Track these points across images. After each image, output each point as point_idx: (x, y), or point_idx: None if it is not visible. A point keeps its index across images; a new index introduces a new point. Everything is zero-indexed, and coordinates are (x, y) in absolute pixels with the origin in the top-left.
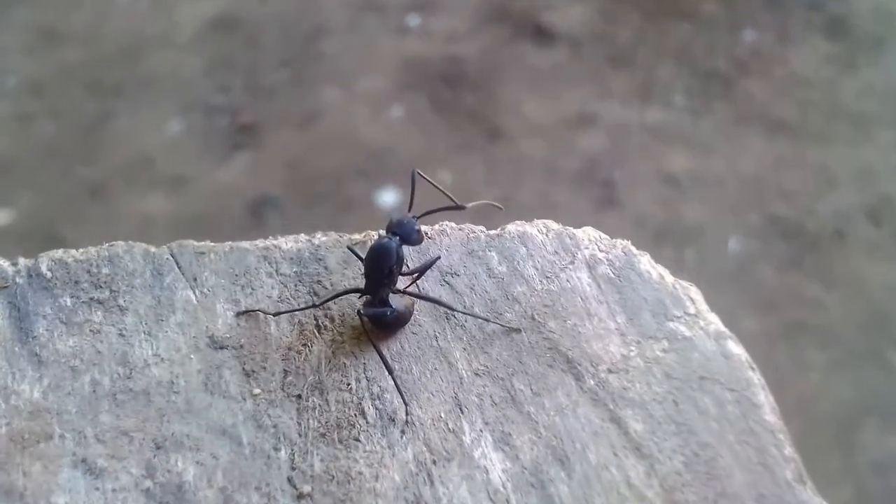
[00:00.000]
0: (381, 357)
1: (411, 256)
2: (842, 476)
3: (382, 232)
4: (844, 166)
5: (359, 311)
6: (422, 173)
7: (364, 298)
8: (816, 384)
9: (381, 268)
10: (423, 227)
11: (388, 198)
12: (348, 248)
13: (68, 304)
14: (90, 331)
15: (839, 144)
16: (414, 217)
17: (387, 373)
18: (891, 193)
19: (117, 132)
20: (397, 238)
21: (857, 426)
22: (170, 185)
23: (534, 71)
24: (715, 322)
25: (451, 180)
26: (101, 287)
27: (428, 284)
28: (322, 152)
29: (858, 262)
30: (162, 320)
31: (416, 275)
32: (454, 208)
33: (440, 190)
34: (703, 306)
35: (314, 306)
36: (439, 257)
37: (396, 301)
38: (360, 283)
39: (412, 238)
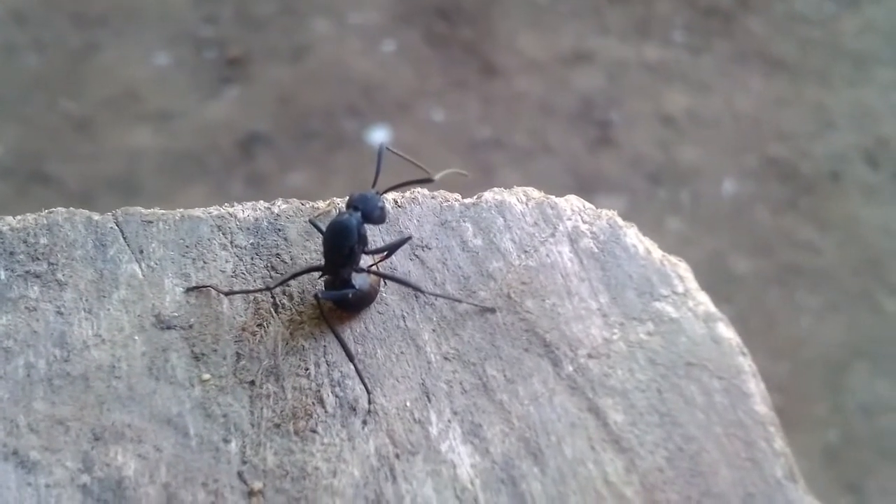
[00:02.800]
0: (340, 343)
1: (382, 230)
2: (830, 418)
3: (338, 200)
4: (843, 106)
5: (315, 296)
6: (391, 148)
7: (324, 278)
8: (807, 327)
9: (340, 247)
10: (393, 195)
11: (380, 136)
12: (310, 221)
13: (2, 277)
14: (25, 308)
15: (838, 84)
16: (378, 193)
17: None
18: (889, 135)
19: (103, 65)
20: (358, 214)
21: (846, 369)
22: (157, 120)
23: (530, 4)
24: (704, 302)
25: (444, 118)
26: (38, 259)
27: (396, 259)
28: (313, 87)
29: (854, 205)
30: (104, 297)
31: (384, 254)
32: (422, 181)
33: (411, 161)
34: (693, 284)
35: (268, 289)
36: (411, 237)
37: (360, 280)
38: (321, 258)
39: (374, 215)
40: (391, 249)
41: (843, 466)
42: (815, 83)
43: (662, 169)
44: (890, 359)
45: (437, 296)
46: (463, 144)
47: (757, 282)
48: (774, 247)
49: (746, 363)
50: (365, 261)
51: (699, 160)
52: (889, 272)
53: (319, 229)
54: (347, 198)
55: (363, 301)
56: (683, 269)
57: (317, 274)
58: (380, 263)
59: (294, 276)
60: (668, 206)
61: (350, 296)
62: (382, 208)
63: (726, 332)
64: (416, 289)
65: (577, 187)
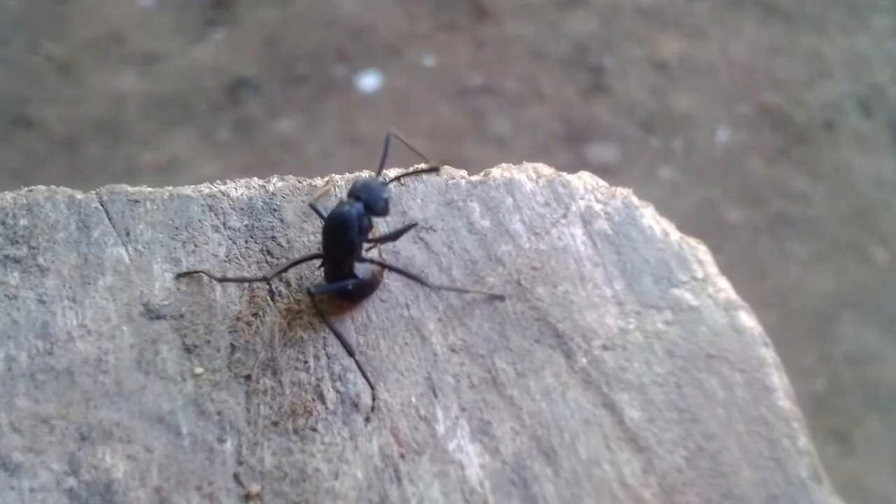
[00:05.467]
0: (339, 339)
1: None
2: (817, 368)
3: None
4: (838, 54)
5: (308, 291)
6: (398, 135)
7: (322, 268)
8: (797, 276)
9: (339, 240)
10: (396, 172)
11: (370, 81)
12: (310, 205)
13: None
14: (5, 296)
15: (833, 31)
16: (383, 182)
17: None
18: (883, 83)
19: (85, 5)
20: (360, 205)
21: (834, 318)
22: (142, 63)
23: None
24: (725, 289)
25: (435, 62)
26: (17, 242)
27: (400, 243)
28: (301, 30)
29: (846, 154)
30: (89, 284)
31: (384, 241)
32: (428, 171)
33: (416, 152)
34: (713, 269)
35: (265, 279)
36: (416, 224)
37: (362, 269)
38: (321, 245)
39: (378, 207)
40: (392, 238)
41: (830, 415)
42: (811, 30)
43: (655, 117)
44: (878, 309)
45: (442, 289)
46: (454, 90)
47: (747, 231)
48: (766, 196)
49: (769, 354)
50: (366, 246)
51: (693, 108)
52: (879, 222)
53: (321, 215)
54: (350, 186)
55: (365, 291)
56: (703, 252)
57: (317, 261)
58: (382, 247)
59: (293, 264)
60: (661, 154)
61: (350, 287)
62: (387, 199)
63: (748, 320)
64: (421, 282)
65: (568, 135)
